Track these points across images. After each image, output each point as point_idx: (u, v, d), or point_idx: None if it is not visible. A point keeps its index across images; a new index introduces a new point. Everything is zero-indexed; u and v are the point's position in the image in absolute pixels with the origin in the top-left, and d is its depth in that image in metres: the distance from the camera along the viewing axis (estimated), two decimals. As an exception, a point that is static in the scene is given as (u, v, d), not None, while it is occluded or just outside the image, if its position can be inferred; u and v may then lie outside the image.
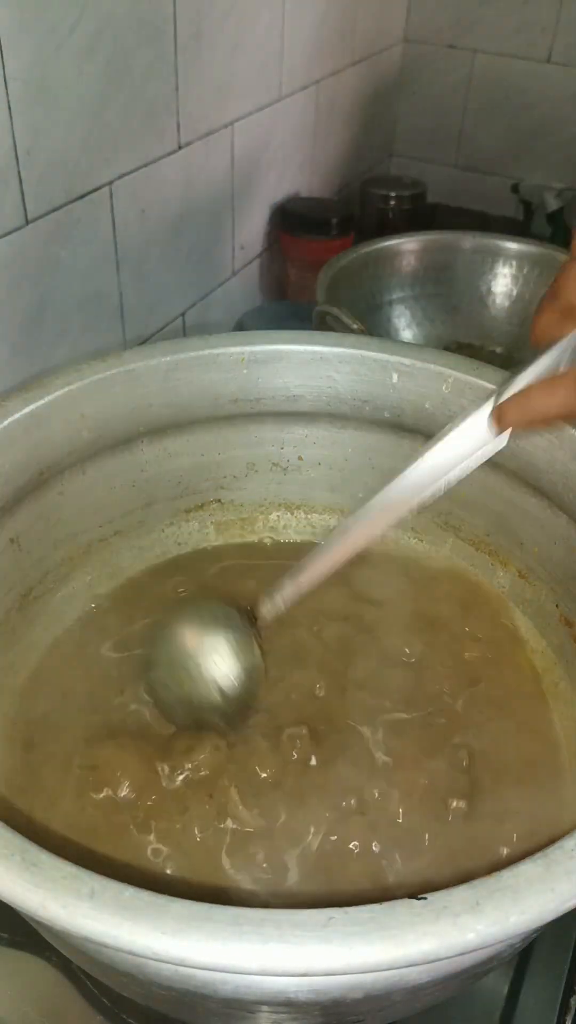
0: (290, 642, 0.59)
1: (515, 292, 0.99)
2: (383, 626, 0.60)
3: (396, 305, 0.99)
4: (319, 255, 0.99)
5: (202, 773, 0.51)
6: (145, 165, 0.78)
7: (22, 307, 0.68)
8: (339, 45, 1.12)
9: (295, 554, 0.68)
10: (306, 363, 0.62)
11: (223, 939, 0.29)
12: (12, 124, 0.62)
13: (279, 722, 0.54)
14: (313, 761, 0.52)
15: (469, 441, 0.44)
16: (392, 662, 0.58)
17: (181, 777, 0.50)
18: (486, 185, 1.35)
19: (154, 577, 0.66)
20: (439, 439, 0.45)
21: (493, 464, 0.59)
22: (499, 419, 0.43)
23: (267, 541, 0.70)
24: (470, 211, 1.32)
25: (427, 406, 0.60)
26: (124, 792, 0.50)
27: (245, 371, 0.62)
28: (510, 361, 0.97)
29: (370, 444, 0.65)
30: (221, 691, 0.51)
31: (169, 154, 0.81)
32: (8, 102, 0.61)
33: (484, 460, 0.45)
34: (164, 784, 0.50)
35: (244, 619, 0.53)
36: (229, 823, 0.49)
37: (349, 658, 0.58)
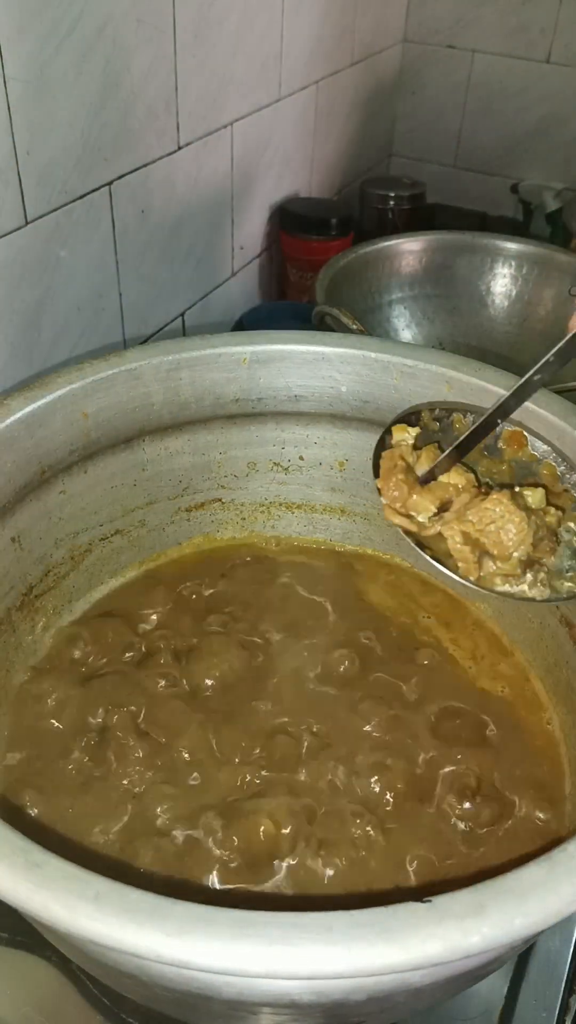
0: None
1: (514, 292, 0.99)
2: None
3: (396, 305, 0.99)
4: (319, 255, 0.99)
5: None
6: (145, 165, 0.78)
7: (22, 307, 0.68)
8: (338, 45, 1.12)
9: (295, 554, 0.69)
10: (308, 363, 0.62)
11: (227, 941, 0.29)
12: (12, 124, 0.62)
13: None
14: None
15: None
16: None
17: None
18: (486, 185, 1.35)
19: (154, 576, 0.66)
20: None
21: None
22: None
23: (268, 541, 0.70)
24: (470, 211, 1.32)
25: (428, 407, 0.60)
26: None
27: (247, 371, 0.62)
28: (510, 362, 0.97)
29: (371, 444, 0.65)
30: None
31: (169, 154, 0.81)
32: (8, 102, 0.61)
33: None
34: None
35: None
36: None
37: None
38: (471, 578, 0.49)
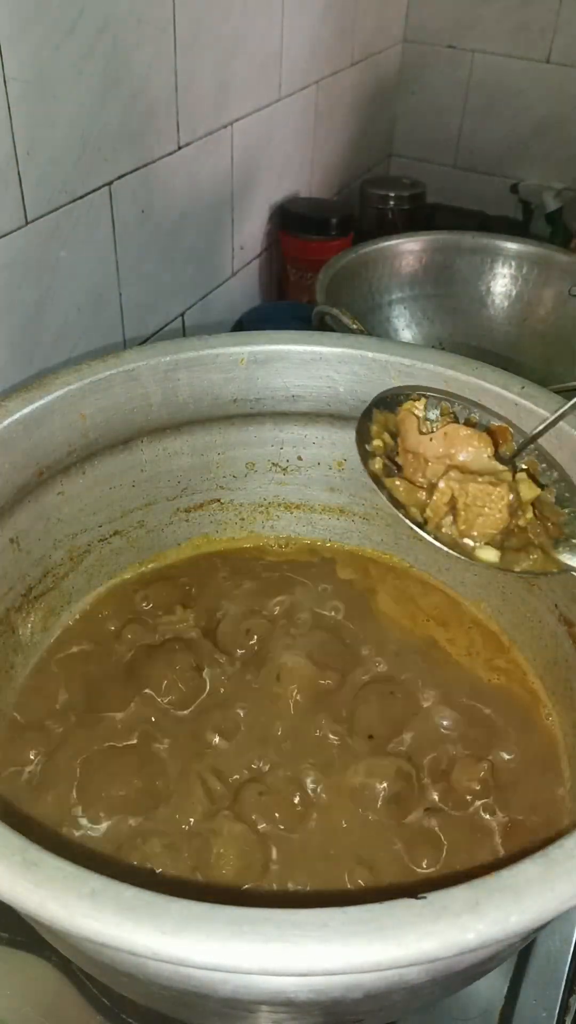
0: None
1: (514, 292, 0.99)
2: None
3: (395, 305, 0.99)
4: (319, 255, 0.99)
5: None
6: (145, 165, 0.78)
7: (22, 307, 0.68)
8: (338, 45, 1.12)
9: (295, 554, 0.69)
10: (306, 363, 0.62)
11: (223, 939, 0.29)
12: (12, 124, 0.62)
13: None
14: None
15: None
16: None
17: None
18: (485, 185, 1.35)
19: (153, 577, 0.66)
20: None
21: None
22: None
23: (267, 541, 0.70)
24: (469, 211, 1.32)
25: (426, 406, 0.60)
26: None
27: (244, 371, 0.62)
28: (510, 362, 0.97)
29: (370, 444, 0.65)
30: None
31: (169, 154, 0.81)
32: (8, 102, 0.61)
33: None
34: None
35: None
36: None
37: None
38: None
